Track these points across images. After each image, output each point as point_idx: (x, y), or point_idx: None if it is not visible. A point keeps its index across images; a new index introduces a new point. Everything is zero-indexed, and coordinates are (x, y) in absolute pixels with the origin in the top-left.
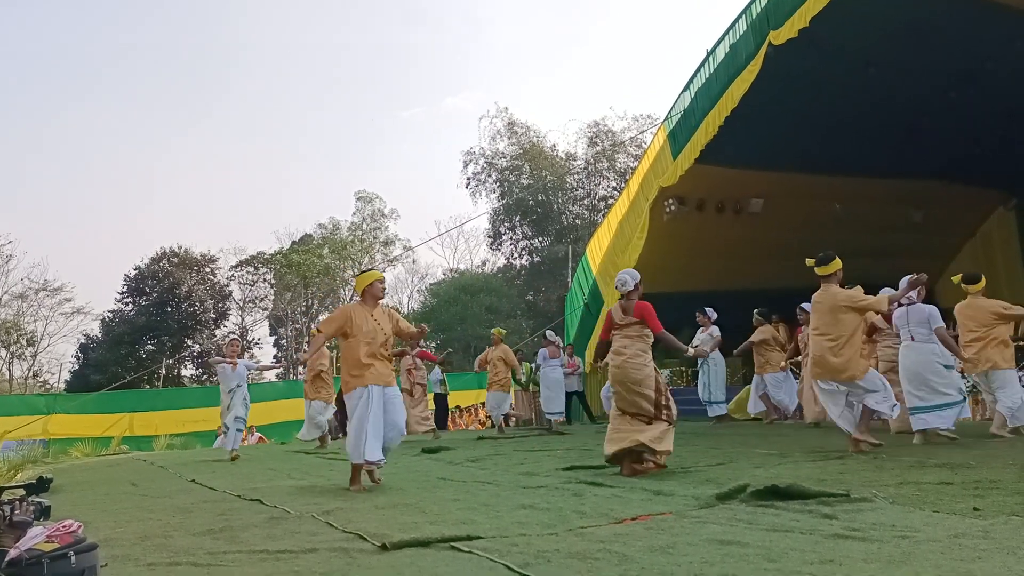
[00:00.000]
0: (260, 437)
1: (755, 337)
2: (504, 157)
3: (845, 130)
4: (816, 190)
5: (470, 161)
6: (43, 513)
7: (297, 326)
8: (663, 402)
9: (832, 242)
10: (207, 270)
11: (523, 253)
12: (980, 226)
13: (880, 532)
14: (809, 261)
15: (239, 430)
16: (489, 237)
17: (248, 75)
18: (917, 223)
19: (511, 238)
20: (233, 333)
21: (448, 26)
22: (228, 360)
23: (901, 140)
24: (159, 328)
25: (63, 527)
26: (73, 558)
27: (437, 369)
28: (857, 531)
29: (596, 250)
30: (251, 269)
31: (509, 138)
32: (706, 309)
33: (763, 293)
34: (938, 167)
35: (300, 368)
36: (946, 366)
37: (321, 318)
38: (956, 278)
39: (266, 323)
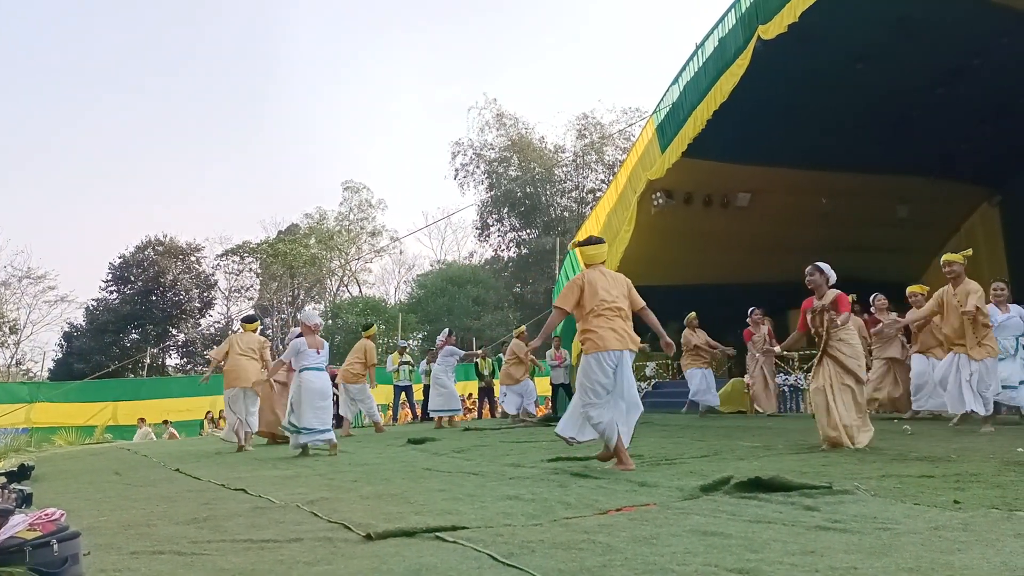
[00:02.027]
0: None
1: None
2: (492, 148)
3: (832, 125)
4: (803, 185)
5: (458, 152)
6: (25, 501)
7: (283, 316)
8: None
9: (818, 237)
10: (192, 259)
11: (511, 245)
12: (964, 222)
13: (861, 524)
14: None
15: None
16: (477, 228)
17: (235, 63)
18: (902, 218)
19: (499, 230)
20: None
21: (438, 16)
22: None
23: (888, 136)
24: (144, 317)
25: (45, 515)
26: (55, 546)
27: (423, 361)
28: (838, 523)
29: None
30: (237, 258)
31: (498, 129)
32: None
33: (749, 287)
34: (924, 163)
35: None
36: None
37: (307, 308)
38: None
39: (252, 313)
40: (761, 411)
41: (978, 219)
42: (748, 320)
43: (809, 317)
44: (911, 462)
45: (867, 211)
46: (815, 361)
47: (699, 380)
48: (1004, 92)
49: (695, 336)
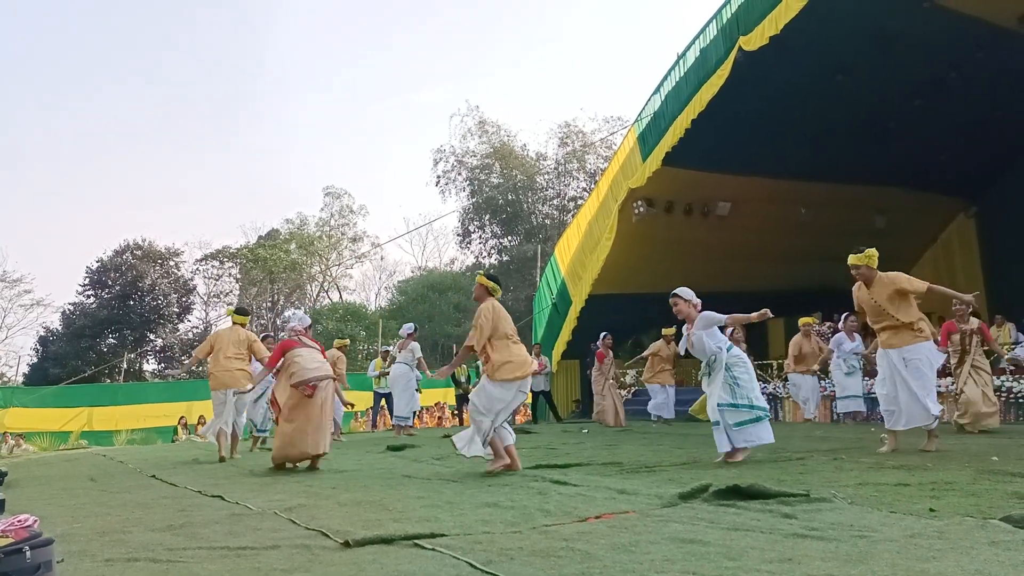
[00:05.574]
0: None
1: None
2: (474, 156)
3: (812, 136)
4: (782, 195)
5: (440, 159)
6: None
7: (262, 321)
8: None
9: (797, 246)
10: (171, 263)
11: (492, 252)
12: (941, 233)
13: (838, 532)
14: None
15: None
16: (458, 235)
17: (216, 67)
18: (880, 229)
19: (480, 237)
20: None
21: (419, 20)
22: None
23: (866, 147)
24: (121, 322)
25: (18, 521)
26: (28, 553)
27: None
28: (816, 530)
29: (565, 250)
30: (216, 263)
31: (480, 137)
32: (406, 326)
33: (729, 295)
34: (902, 174)
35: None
36: None
37: (287, 313)
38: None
39: (230, 319)
40: (611, 426)
41: (955, 230)
42: (600, 344)
43: (957, 337)
44: (887, 470)
45: (845, 221)
46: (960, 369)
47: (660, 395)
48: (980, 105)
49: (667, 349)
